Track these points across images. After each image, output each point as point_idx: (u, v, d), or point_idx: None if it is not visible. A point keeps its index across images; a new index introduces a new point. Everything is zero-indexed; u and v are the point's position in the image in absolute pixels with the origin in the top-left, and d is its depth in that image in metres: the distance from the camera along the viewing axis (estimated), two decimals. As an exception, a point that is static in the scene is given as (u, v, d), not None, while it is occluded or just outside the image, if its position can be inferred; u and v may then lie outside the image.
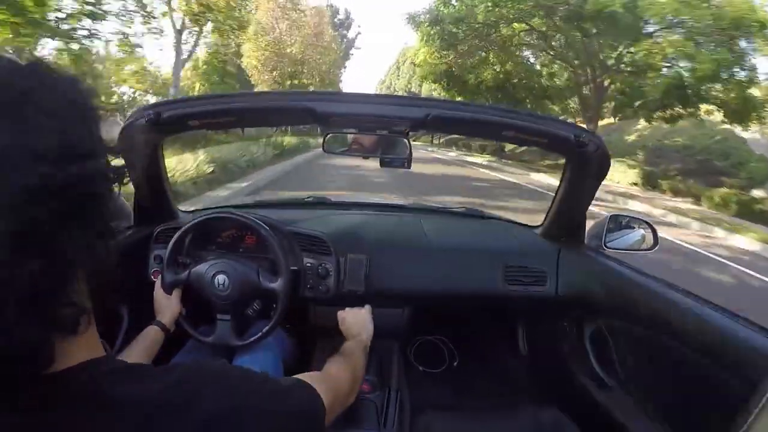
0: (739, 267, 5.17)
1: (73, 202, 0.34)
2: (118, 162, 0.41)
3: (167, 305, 1.09)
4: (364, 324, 1.05)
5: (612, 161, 1.14)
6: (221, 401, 0.42)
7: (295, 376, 0.56)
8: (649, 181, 11.77)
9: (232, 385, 0.44)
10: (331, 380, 0.65)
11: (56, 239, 0.33)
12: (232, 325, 1.13)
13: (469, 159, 19.15)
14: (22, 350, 0.33)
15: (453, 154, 23.67)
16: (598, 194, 1.18)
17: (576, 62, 13.63)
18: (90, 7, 8.41)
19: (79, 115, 0.37)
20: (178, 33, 12.61)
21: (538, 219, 1.50)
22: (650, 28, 11.47)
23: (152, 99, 13.79)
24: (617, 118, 15.29)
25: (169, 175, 1.30)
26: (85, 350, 0.40)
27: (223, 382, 0.44)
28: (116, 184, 0.40)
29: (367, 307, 1.15)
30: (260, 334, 1.12)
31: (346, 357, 0.84)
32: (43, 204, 0.32)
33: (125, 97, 13.47)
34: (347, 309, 1.14)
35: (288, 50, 19.82)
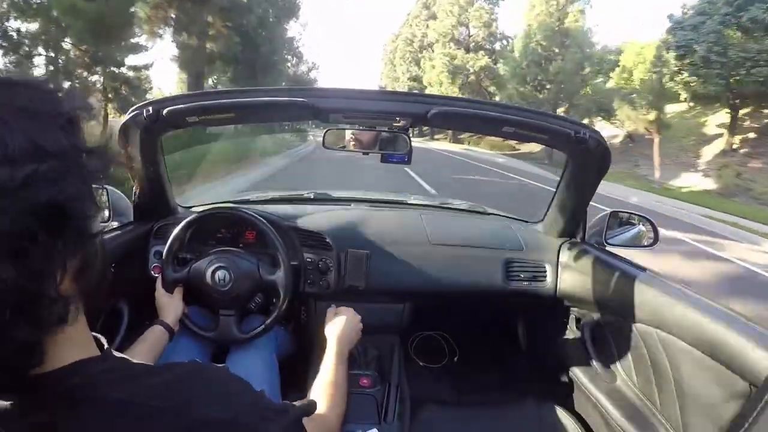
0: None
1: (49, 202, 0.34)
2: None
3: (170, 305, 1.09)
4: (342, 325, 0.99)
5: None
6: (213, 410, 0.42)
7: (289, 403, 0.55)
8: None
9: (226, 395, 0.44)
10: (319, 420, 0.64)
11: (36, 238, 0.33)
12: (234, 320, 1.14)
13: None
14: (12, 351, 0.34)
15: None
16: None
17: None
18: None
19: (49, 120, 0.37)
20: None
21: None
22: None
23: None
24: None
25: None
26: (77, 349, 0.40)
27: (217, 391, 0.44)
28: (96, 184, 0.40)
29: (351, 315, 1.07)
30: (262, 327, 1.12)
31: (334, 384, 0.81)
32: (19, 203, 0.32)
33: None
34: (338, 309, 1.08)
35: None
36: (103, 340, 0.45)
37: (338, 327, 0.99)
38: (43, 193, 0.33)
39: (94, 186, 0.39)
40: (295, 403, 0.55)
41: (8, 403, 0.37)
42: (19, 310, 0.33)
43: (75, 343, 0.39)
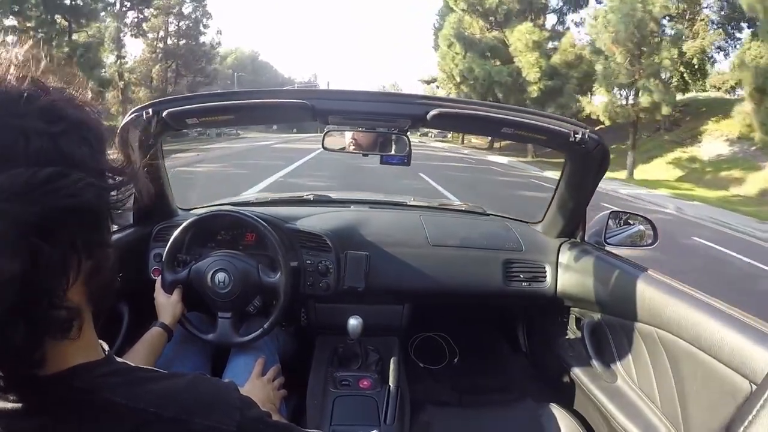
0: None
1: (64, 208, 0.34)
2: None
3: (168, 306, 1.09)
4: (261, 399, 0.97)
5: None
6: (213, 422, 0.41)
7: (295, 425, 0.54)
8: None
9: (229, 409, 0.44)
10: None
11: (46, 241, 0.33)
12: (233, 322, 1.13)
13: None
14: (11, 352, 0.33)
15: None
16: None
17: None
18: None
19: (77, 131, 0.37)
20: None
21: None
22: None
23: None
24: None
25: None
26: (82, 352, 0.40)
27: (220, 403, 0.44)
28: (118, 201, 0.40)
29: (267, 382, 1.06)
30: (261, 330, 1.12)
31: None
32: (32, 205, 0.32)
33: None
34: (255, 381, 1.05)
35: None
36: (105, 345, 0.45)
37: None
38: (61, 198, 0.34)
39: (115, 194, 0.40)
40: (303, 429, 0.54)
41: (9, 404, 0.36)
42: (20, 311, 0.32)
43: (79, 346, 0.39)
